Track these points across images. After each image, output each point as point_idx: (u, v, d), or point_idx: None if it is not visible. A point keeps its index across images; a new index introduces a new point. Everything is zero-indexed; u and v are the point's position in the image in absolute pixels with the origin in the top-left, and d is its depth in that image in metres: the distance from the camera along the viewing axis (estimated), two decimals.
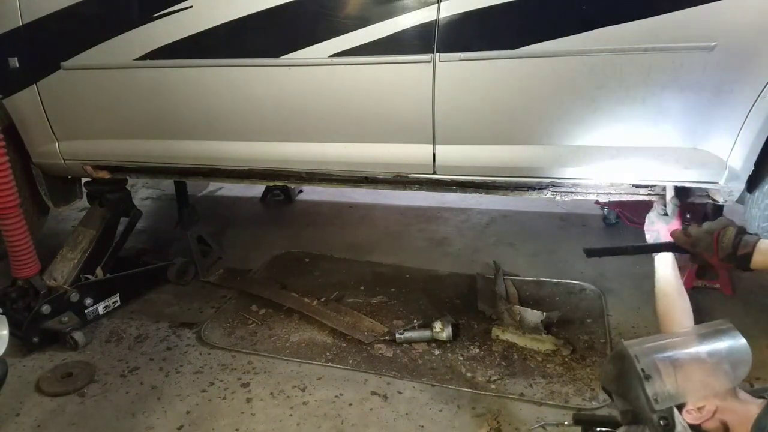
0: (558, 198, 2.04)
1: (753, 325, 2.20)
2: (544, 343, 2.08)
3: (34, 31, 2.13)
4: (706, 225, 1.43)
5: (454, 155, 1.99)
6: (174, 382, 2.00)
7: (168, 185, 3.70)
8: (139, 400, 1.92)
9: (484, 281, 2.57)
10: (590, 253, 1.75)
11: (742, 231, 1.37)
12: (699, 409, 1.22)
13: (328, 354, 2.13)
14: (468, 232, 3.22)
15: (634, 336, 2.16)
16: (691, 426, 1.20)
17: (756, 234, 1.36)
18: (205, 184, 3.98)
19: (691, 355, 1.28)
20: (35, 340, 2.15)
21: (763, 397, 1.24)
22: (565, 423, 1.66)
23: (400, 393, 1.91)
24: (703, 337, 1.32)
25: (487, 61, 1.81)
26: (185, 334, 2.28)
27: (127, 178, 2.58)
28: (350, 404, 1.87)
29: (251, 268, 2.82)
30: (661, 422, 1.17)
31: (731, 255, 1.32)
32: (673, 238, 1.58)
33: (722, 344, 1.28)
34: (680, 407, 1.22)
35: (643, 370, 1.22)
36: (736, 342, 1.29)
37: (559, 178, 1.95)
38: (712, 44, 1.62)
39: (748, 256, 1.29)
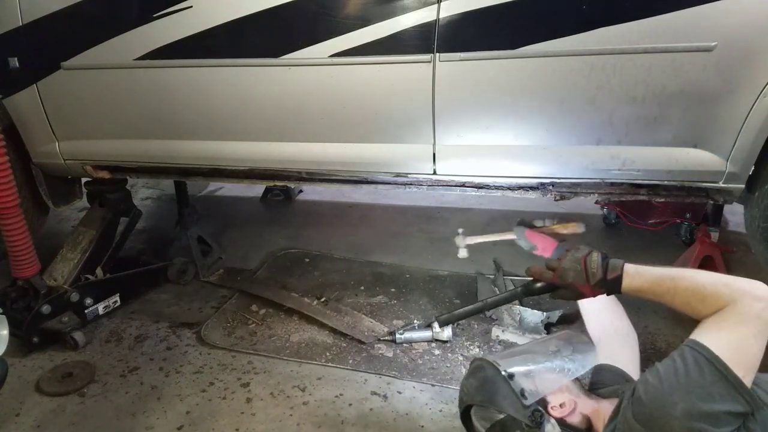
0: (558, 198, 2.03)
1: None
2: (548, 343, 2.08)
3: (34, 31, 2.13)
4: (568, 255, 1.38)
5: (454, 155, 1.99)
6: (174, 382, 2.00)
7: (168, 185, 3.70)
8: (139, 400, 1.92)
9: (484, 281, 2.57)
10: (442, 323, 1.66)
11: (605, 255, 1.36)
12: (561, 405, 1.31)
13: (328, 354, 2.12)
14: (468, 232, 3.21)
15: None
16: (558, 421, 1.29)
17: (621, 259, 1.35)
18: (205, 184, 3.98)
19: (542, 359, 1.40)
20: (35, 340, 2.15)
21: (617, 396, 1.32)
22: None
23: (400, 393, 1.91)
24: (552, 344, 1.48)
25: (487, 61, 1.81)
26: (185, 334, 2.28)
27: (127, 178, 2.58)
28: (350, 404, 1.87)
29: (251, 268, 2.82)
30: (534, 413, 1.26)
31: (602, 280, 1.31)
32: (535, 276, 1.42)
33: (569, 350, 1.43)
34: (545, 407, 1.31)
35: (506, 371, 1.33)
36: (581, 346, 1.44)
37: (559, 178, 1.95)
38: (713, 44, 1.62)
39: (619, 279, 1.29)
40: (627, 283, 1.29)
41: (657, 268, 1.30)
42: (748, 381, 1.10)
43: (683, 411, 1.09)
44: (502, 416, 1.32)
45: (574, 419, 1.31)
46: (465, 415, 1.44)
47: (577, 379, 1.41)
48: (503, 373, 1.33)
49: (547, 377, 1.36)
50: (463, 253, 1.89)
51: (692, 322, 1.21)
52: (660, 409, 1.12)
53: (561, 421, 1.29)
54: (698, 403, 1.09)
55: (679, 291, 1.23)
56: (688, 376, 1.11)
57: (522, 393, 1.30)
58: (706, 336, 1.15)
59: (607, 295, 1.33)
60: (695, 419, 1.08)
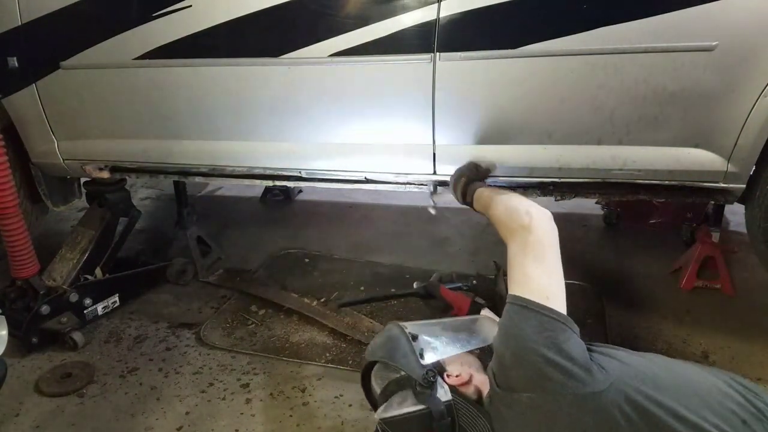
0: (558, 198, 2.03)
1: (753, 325, 2.20)
2: None
3: (33, 30, 2.12)
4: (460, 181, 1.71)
5: (454, 154, 1.98)
6: (173, 382, 2.00)
7: (167, 185, 3.69)
8: (138, 400, 1.91)
9: (485, 281, 2.56)
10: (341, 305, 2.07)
11: (471, 179, 1.68)
12: (457, 375, 1.36)
13: (328, 354, 2.12)
14: (468, 232, 3.22)
15: (636, 338, 2.16)
16: (451, 388, 1.34)
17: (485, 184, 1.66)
18: (204, 184, 3.98)
19: (449, 329, 1.50)
20: (34, 340, 2.15)
21: None
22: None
23: None
24: (464, 320, 1.62)
25: (487, 61, 1.80)
26: (185, 335, 2.28)
27: (126, 177, 2.58)
28: (350, 405, 1.86)
29: (251, 268, 2.82)
30: (428, 373, 1.32)
31: (465, 202, 1.67)
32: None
33: (476, 325, 1.54)
34: (443, 374, 1.37)
35: (411, 333, 1.41)
36: (487, 323, 1.53)
37: (559, 178, 1.94)
38: (714, 44, 1.62)
39: (471, 202, 1.62)
40: (477, 206, 1.64)
41: (489, 195, 1.57)
42: (554, 303, 1.22)
43: (510, 356, 1.21)
44: (398, 376, 1.38)
45: (468, 390, 1.36)
46: (366, 375, 1.51)
47: (479, 357, 1.46)
48: (408, 334, 1.41)
49: (449, 345, 1.43)
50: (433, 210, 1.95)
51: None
52: (511, 369, 1.20)
53: (454, 389, 1.34)
54: (517, 344, 1.20)
55: (495, 220, 1.50)
56: (514, 327, 1.22)
57: (421, 354, 1.36)
58: (513, 285, 1.29)
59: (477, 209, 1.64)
60: (526, 356, 1.17)
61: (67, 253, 2.43)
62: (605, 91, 1.75)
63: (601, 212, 3.19)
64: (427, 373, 1.33)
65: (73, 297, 2.25)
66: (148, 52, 2.04)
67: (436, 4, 1.76)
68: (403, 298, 2.37)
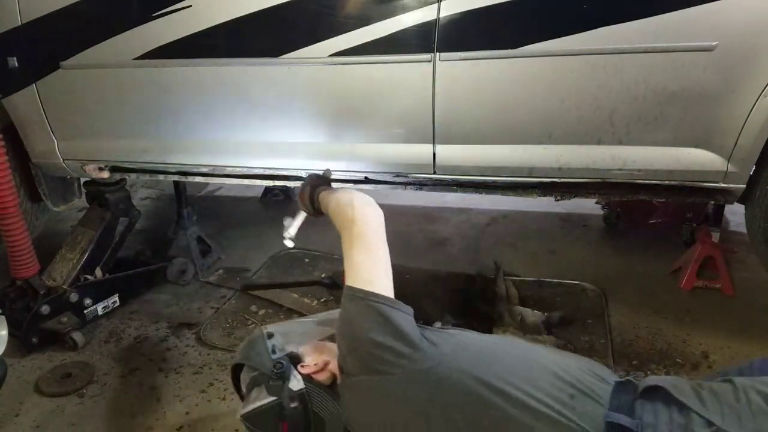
0: (558, 198, 2.03)
1: (753, 325, 2.20)
2: (545, 344, 2.07)
3: (33, 30, 2.12)
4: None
5: (454, 155, 1.99)
6: (173, 382, 2.00)
7: (167, 185, 3.69)
8: (138, 400, 1.91)
9: (485, 281, 2.56)
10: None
11: (315, 186, 1.68)
12: (314, 364, 1.43)
13: None
14: (468, 232, 3.21)
15: (636, 338, 2.16)
16: (306, 377, 1.40)
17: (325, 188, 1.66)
18: (204, 184, 3.97)
19: (310, 324, 1.61)
20: (34, 340, 2.15)
21: None
22: None
23: None
24: (325, 314, 1.70)
25: (487, 61, 1.80)
26: (184, 335, 2.28)
27: (126, 177, 2.58)
28: None
29: (251, 268, 2.82)
30: (276, 365, 1.39)
31: (314, 210, 1.67)
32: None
33: (330, 323, 1.55)
34: (297, 365, 1.43)
35: (268, 332, 1.47)
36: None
37: (559, 178, 1.94)
38: (714, 44, 1.62)
39: (320, 209, 1.63)
40: (324, 211, 1.62)
41: (324, 196, 1.60)
42: (377, 287, 1.29)
43: (346, 344, 1.29)
44: (255, 374, 1.44)
45: (323, 376, 1.41)
46: (235, 381, 1.59)
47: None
48: (264, 332, 1.48)
49: (303, 337, 1.52)
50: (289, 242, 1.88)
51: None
52: (347, 355, 1.29)
53: (308, 378, 1.40)
54: (349, 331, 1.28)
55: (331, 219, 1.52)
56: (345, 316, 1.31)
57: (273, 349, 1.42)
58: (346, 276, 1.35)
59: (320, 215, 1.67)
60: (357, 342, 1.26)
61: (67, 253, 2.43)
62: (605, 91, 1.75)
63: (601, 212, 3.19)
64: (275, 366, 1.39)
65: (73, 297, 2.25)
66: (148, 52, 2.04)
67: (436, 4, 1.76)
68: (308, 287, 2.52)
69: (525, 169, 1.94)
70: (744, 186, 1.79)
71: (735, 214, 2.89)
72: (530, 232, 3.17)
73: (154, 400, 1.91)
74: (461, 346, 1.28)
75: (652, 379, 1.19)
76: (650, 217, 2.96)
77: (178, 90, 2.13)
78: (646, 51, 1.68)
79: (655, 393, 1.15)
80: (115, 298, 2.44)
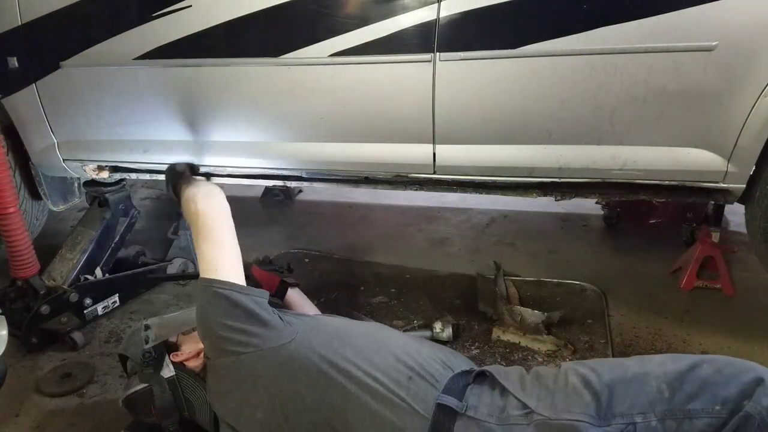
0: (558, 198, 2.03)
1: (753, 325, 2.20)
2: (545, 344, 2.08)
3: (33, 30, 2.12)
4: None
5: (454, 155, 1.99)
6: None
7: None
8: None
9: (485, 281, 2.56)
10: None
11: (174, 182, 1.73)
12: (189, 352, 1.52)
13: None
14: (468, 232, 3.21)
15: (636, 338, 2.16)
16: (178, 364, 1.50)
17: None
18: None
19: (187, 320, 1.60)
20: (34, 340, 2.15)
21: None
22: None
23: None
24: None
25: (487, 61, 1.80)
26: None
27: (126, 177, 2.58)
28: None
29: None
30: (144, 356, 1.50)
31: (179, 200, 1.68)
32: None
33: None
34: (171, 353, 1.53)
35: (146, 323, 1.52)
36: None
37: (559, 178, 1.94)
38: (714, 44, 1.62)
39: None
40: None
41: (180, 189, 1.65)
42: (223, 274, 1.38)
43: (201, 331, 1.40)
44: (133, 363, 1.57)
45: (194, 363, 1.51)
46: (126, 368, 1.68)
47: None
48: (142, 325, 1.54)
49: (177, 327, 1.58)
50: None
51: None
52: (204, 341, 1.42)
53: (179, 365, 1.51)
54: (202, 319, 1.38)
55: (184, 214, 1.61)
56: (198, 305, 1.41)
57: (146, 340, 1.50)
58: (199, 267, 1.44)
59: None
60: (209, 328, 1.36)
61: (67, 253, 2.43)
62: (605, 91, 1.75)
63: (601, 212, 3.19)
64: (143, 356, 1.50)
65: (73, 297, 2.25)
66: (148, 52, 2.04)
67: (436, 4, 1.76)
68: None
69: (525, 169, 1.94)
70: (744, 186, 1.79)
71: (735, 214, 2.89)
72: (530, 232, 3.17)
73: None
74: (317, 328, 1.40)
75: (486, 367, 1.31)
76: (650, 217, 2.96)
77: (178, 90, 2.13)
78: (646, 51, 1.67)
79: (484, 378, 1.28)
80: (115, 298, 2.44)
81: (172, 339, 1.57)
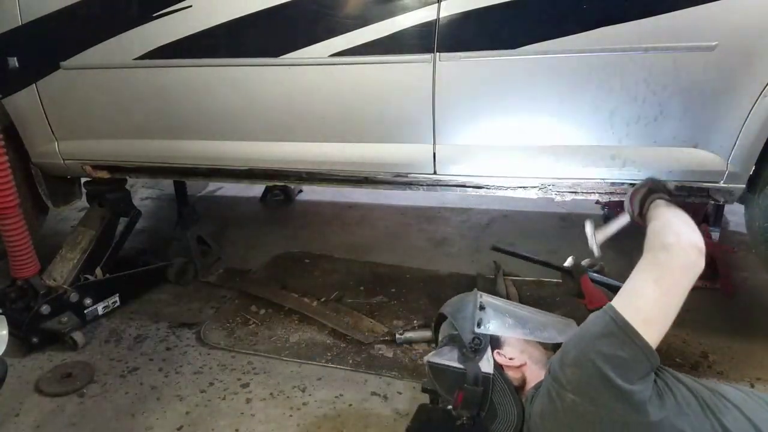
0: (558, 198, 2.03)
1: (753, 325, 2.20)
2: None
3: (33, 30, 2.12)
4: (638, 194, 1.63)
5: (454, 155, 1.99)
6: (173, 382, 2.00)
7: (168, 185, 3.69)
8: (138, 400, 1.91)
9: (485, 281, 2.56)
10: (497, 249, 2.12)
11: (653, 191, 1.60)
12: (510, 357, 1.44)
13: (328, 354, 2.12)
14: (468, 232, 3.22)
15: None
16: (497, 365, 1.43)
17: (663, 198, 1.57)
18: (204, 184, 3.98)
19: (523, 315, 1.57)
20: (34, 340, 2.15)
21: None
22: None
23: (400, 393, 1.91)
24: (543, 314, 1.65)
25: (487, 60, 1.80)
26: (185, 335, 2.28)
27: (127, 177, 2.58)
28: (350, 405, 1.86)
29: (251, 268, 2.82)
30: (474, 341, 1.43)
31: (639, 213, 1.60)
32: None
33: (551, 322, 1.58)
34: (495, 349, 1.45)
35: (481, 302, 1.50)
36: (566, 330, 1.52)
37: (559, 178, 1.94)
38: (713, 44, 1.62)
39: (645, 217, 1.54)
40: (646, 215, 1.55)
41: (662, 209, 1.50)
42: (647, 331, 1.15)
43: (574, 356, 1.20)
44: (455, 333, 1.50)
45: (514, 375, 1.43)
46: (437, 324, 1.65)
47: (547, 351, 1.51)
48: (479, 300, 1.52)
49: (511, 327, 1.51)
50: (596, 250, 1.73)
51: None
52: (570, 366, 1.20)
53: (499, 367, 1.43)
54: (587, 348, 1.18)
55: (648, 232, 1.42)
56: (590, 333, 1.21)
57: (479, 322, 1.46)
58: (620, 293, 1.26)
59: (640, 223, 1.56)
60: (589, 363, 1.15)
61: (68, 253, 2.43)
62: (605, 91, 1.75)
63: (601, 212, 3.19)
64: (473, 340, 1.43)
65: (74, 297, 2.25)
66: (148, 52, 2.04)
67: (436, 4, 1.76)
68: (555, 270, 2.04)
69: (524, 168, 1.95)
70: (744, 186, 1.80)
71: (735, 214, 2.89)
72: (530, 232, 3.17)
73: (154, 400, 1.91)
74: (686, 410, 1.17)
75: None
76: None
77: (178, 90, 2.13)
78: (646, 51, 1.68)
79: None
80: (115, 298, 2.44)
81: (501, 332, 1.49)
